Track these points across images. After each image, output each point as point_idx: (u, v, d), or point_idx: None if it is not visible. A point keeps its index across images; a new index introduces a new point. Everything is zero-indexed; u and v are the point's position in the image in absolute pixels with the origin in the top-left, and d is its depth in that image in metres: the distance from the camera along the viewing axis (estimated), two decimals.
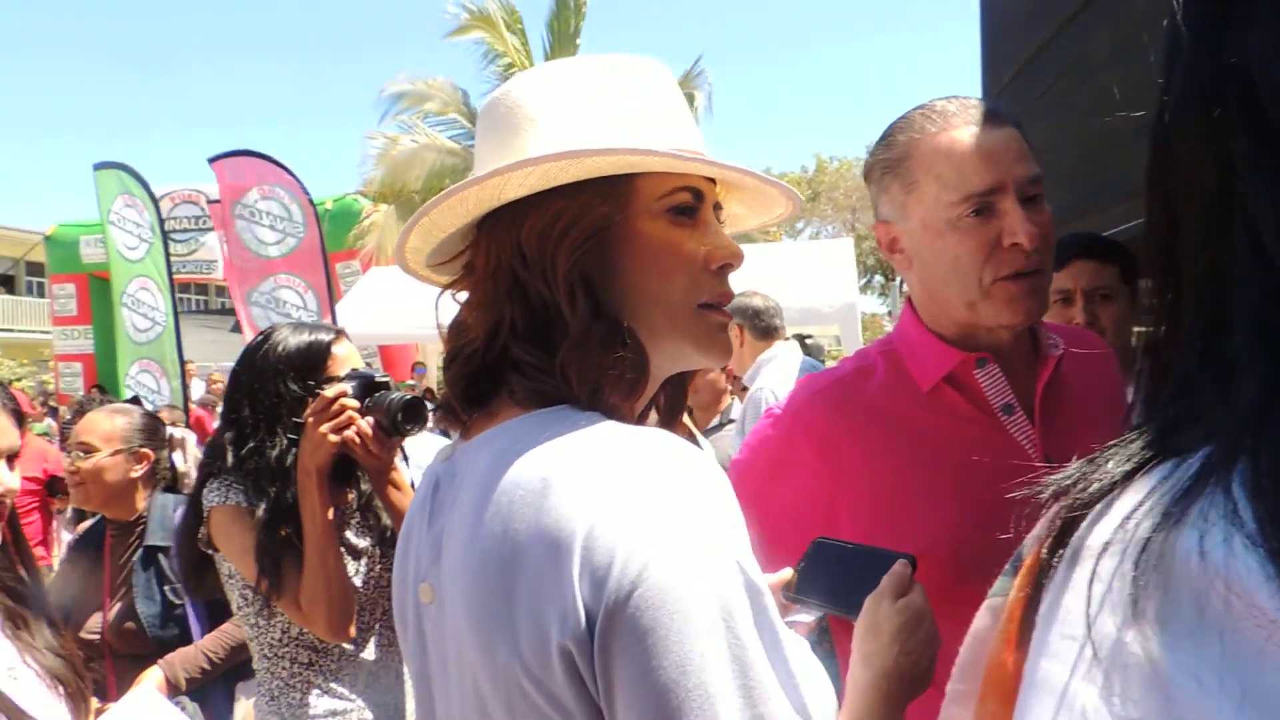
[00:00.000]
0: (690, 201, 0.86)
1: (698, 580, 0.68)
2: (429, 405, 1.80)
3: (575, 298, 0.81)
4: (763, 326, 3.40)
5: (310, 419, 1.74)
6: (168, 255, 7.47)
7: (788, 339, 3.50)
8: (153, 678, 2.22)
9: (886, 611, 0.94)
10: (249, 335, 7.41)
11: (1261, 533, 0.39)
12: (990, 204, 1.13)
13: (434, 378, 12.11)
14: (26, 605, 1.40)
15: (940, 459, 1.19)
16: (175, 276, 7.71)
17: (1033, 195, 1.15)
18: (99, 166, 7.64)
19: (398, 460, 1.88)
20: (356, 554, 1.91)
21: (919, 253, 1.21)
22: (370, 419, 1.77)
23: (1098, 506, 0.47)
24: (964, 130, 1.15)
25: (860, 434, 1.22)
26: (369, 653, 1.91)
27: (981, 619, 0.57)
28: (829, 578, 1.06)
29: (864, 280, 29.83)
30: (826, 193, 32.23)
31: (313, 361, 1.86)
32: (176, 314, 7.41)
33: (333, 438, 1.73)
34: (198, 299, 28.40)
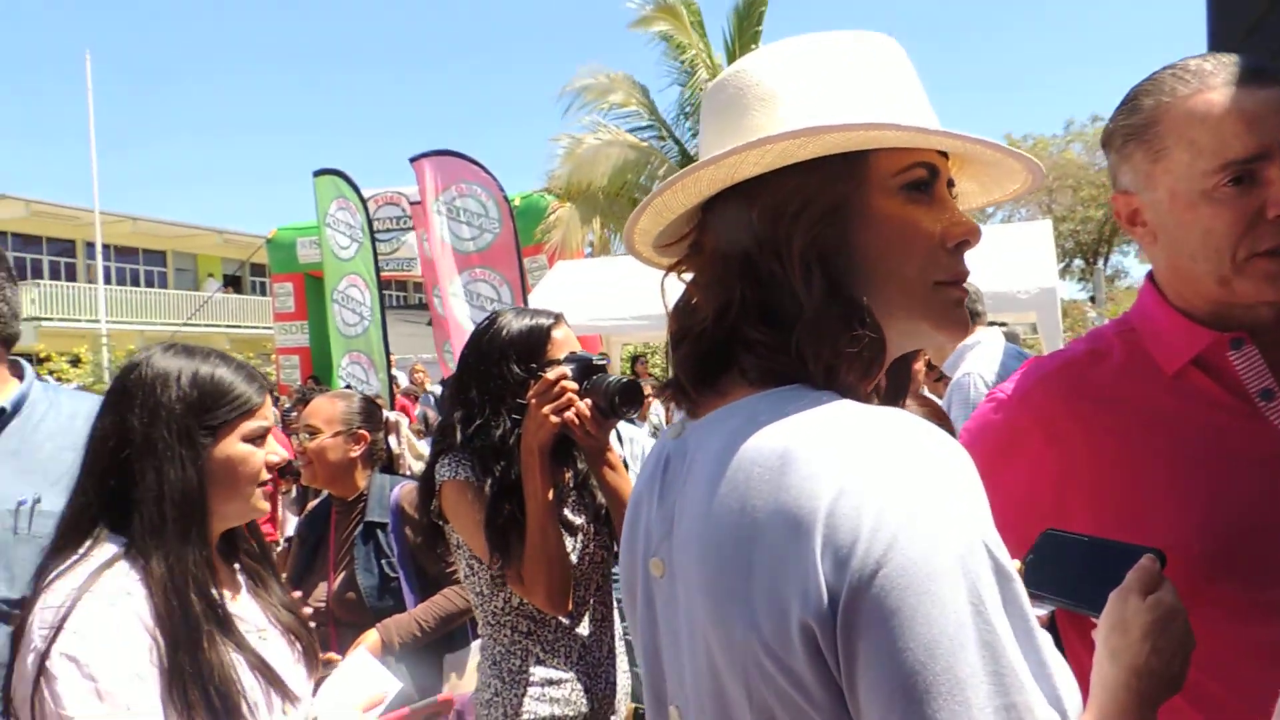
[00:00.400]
0: (926, 177, 0.84)
1: (945, 561, 0.66)
2: (642, 387, 1.86)
3: (810, 276, 0.81)
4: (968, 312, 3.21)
5: (533, 400, 1.81)
6: (375, 254, 8.03)
7: (989, 325, 3.34)
8: (369, 639, 2.40)
9: (1135, 607, 0.89)
10: (446, 328, 7.83)
11: None
12: (1251, 172, 1.03)
13: (616, 367, 12.40)
14: (263, 564, 1.53)
15: (1187, 449, 1.09)
16: (380, 274, 8.24)
17: None
18: (318, 173, 8.27)
19: (612, 440, 1.93)
20: (573, 530, 1.98)
21: (1165, 225, 1.12)
22: (588, 401, 1.82)
23: None
24: (1222, 90, 1.04)
25: (1095, 421, 1.14)
26: (583, 627, 1.98)
27: None
28: (1062, 571, 1.01)
29: (1062, 264, 28.20)
30: None
31: (534, 344, 1.94)
32: (383, 309, 7.92)
33: (554, 419, 1.79)
34: (398, 295, 30.24)
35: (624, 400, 1.81)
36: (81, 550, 1.29)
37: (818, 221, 0.81)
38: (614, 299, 10.16)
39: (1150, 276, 1.21)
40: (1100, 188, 29.76)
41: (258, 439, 1.42)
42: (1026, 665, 0.67)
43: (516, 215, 8.17)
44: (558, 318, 2.01)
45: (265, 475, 1.43)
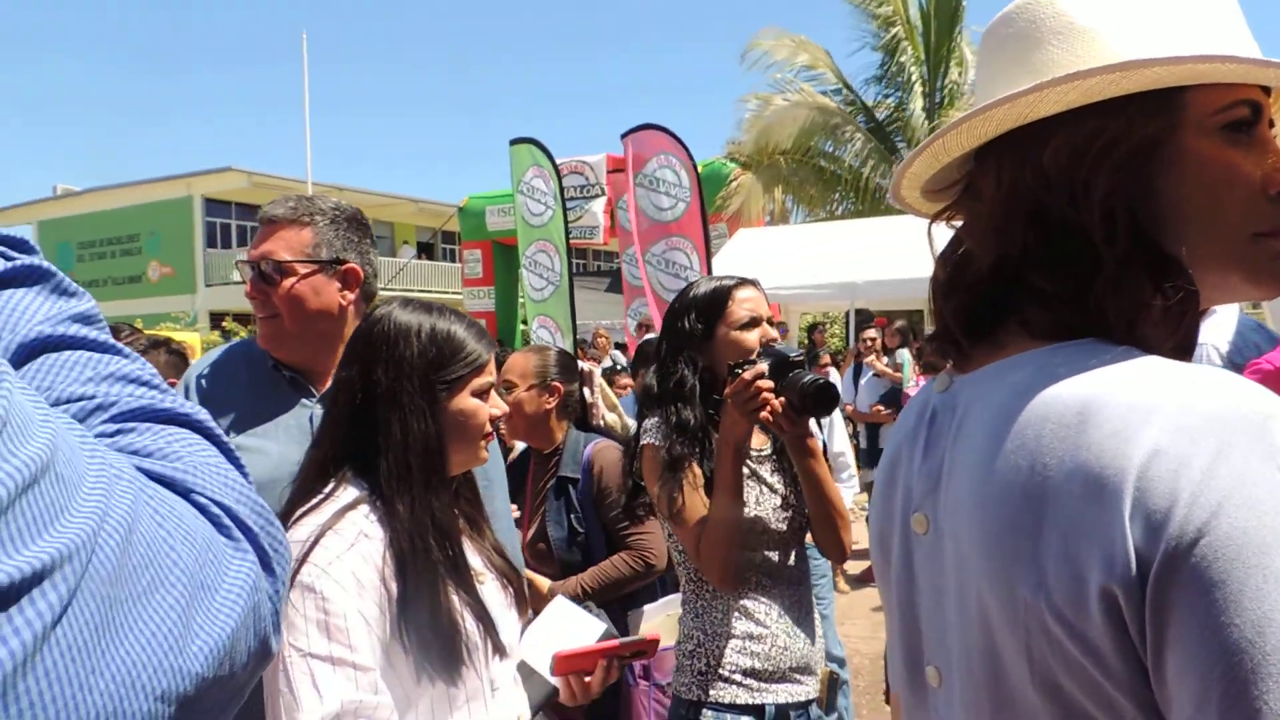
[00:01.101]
0: (1248, 116, 0.76)
1: (1277, 531, 0.59)
2: (839, 392, 1.91)
3: (1113, 223, 0.74)
4: None
5: (730, 397, 1.89)
6: (566, 221, 8.27)
7: None
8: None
9: None
10: (645, 295, 8.04)
11: None
12: None
13: (794, 336, 12.23)
14: (478, 510, 1.59)
15: None
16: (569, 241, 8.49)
17: None
18: (514, 141, 8.56)
19: (813, 428, 2.00)
20: (773, 492, 2.06)
21: None
22: (783, 399, 1.88)
23: None
24: None
25: None
26: (784, 587, 2.03)
27: None
28: None
29: None
30: None
31: (715, 302, 2.07)
32: (571, 275, 8.15)
33: (749, 418, 1.87)
34: (578, 262, 31.02)
35: (815, 403, 1.85)
36: (326, 491, 1.37)
37: (1124, 164, 0.75)
38: (793, 267, 10.03)
39: None
40: None
41: (484, 393, 1.47)
42: None
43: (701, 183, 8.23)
44: (743, 281, 2.10)
45: (489, 428, 1.48)
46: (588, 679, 1.73)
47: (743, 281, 2.11)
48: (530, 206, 8.48)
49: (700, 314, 2.05)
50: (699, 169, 8.07)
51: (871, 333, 8.38)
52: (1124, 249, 0.75)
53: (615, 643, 1.79)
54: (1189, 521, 0.61)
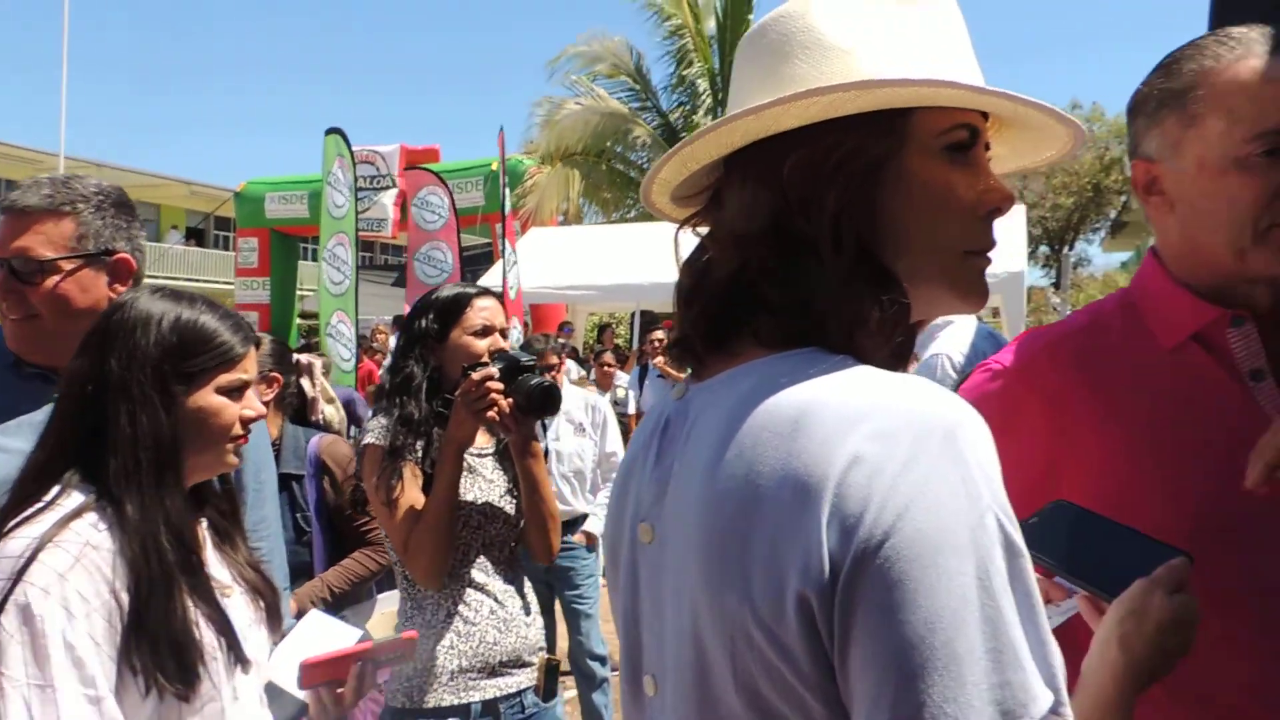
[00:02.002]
0: (966, 139, 0.81)
1: (956, 533, 0.64)
2: (561, 394, 2.07)
3: (841, 236, 0.77)
4: None
5: (459, 397, 1.99)
6: (356, 213, 8.08)
7: None
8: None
9: (1160, 602, 0.87)
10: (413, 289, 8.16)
11: None
12: None
13: (581, 337, 12.36)
14: (231, 521, 1.47)
15: (1181, 425, 1.10)
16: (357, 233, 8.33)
17: None
18: (329, 132, 8.28)
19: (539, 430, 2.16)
20: (492, 486, 2.17)
21: (1185, 194, 1.11)
22: (511, 400, 2.02)
23: None
24: (1266, 59, 1.04)
25: (1096, 394, 1.13)
26: (495, 584, 2.12)
27: None
28: (1073, 544, 1.00)
29: (1030, 250, 28.31)
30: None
31: (454, 307, 2.17)
32: (357, 268, 7.95)
33: (475, 418, 1.98)
34: (364, 255, 29.90)
35: (537, 404, 2.01)
36: (47, 498, 1.24)
37: (854, 180, 0.78)
38: (582, 268, 10.14)
39: (1154, 251, 1.20)
40: (1072, 175, 29.92)
41: (235, 391, 1.37)
42: (1026, 643, 0.66)
43: (493, 179, 8.36)
44: (485, 292, 2.23)
45: (239, 430, 1.38)
46: (340, 690, 1.63)
47: (485, 292, 2.22)
48: (334, 198, 8.23)
49: (438, 316, 2.14)
50: (493, 165, 8.31)
51: (659, 334, 8.61)
52: (849, 263, 0.77)
53: (368, 644, 1.70)
54: (877, 525, 0.64)
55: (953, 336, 3.08)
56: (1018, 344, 1.24)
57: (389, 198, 12.66)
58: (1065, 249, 28.75)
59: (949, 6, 0.84)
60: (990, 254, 0.84)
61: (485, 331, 2.14)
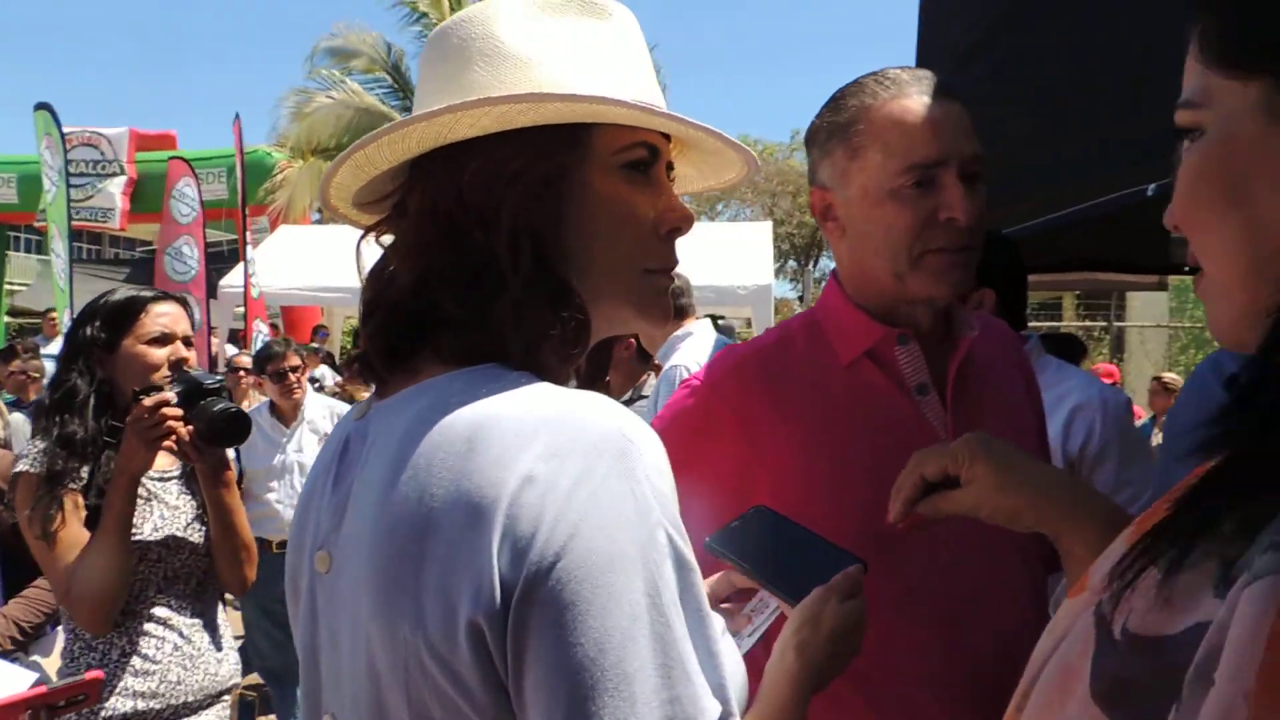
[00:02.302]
0: (646, 158, 0.83)
1: (625, 552, 0.65)
2: (251, 420, 1.90)
3: (519, 249, 0.77)
4: (675, 305, 3.36)
5: (130, 424, 1.79)
6: (68, 199, 7.24)
7: (700, 318, 3.50)
8: None
9: (834, 609, 0.91)
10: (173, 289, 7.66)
11: None
12: (932, 176, 1.13)
13: (337, 341, 11.83)
14: None
15: (854, 437, 1.19)
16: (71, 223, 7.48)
17: (973, 173, 1.15)
18: (38, 107, 7.36)
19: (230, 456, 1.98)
20: (177, 514, 1.99)
21: (854, 221, 1.20)
22: (192, 427, 1.84)
23: None
24: (916, 100, 1.14)
25: (781, 406, 1.21)
26: (182, 618, 1.95)
27: (1243, 608, 0.49)
28: (765, 547, 1.03)
29: (778, 265, 30.08)
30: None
31: (125, 313, 1.96)
32: (71, 262, 7.15)
33: (149, 447, 1.80)
34: (91, 248, 27.06)
35: (221, 432, 1.84)
36: None
37: (532, 193, 0.77)
38: (338, 269, 9.67)
39: (834, 273, 1.29)
40: None
41: None
42: (695, 656, 0.67)
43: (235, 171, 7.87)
44: (165, 296, 2.04)
45: None
46: None
47: (164, 296, 2.04)
48: (44, 183, 7.38)
49: (107, 322, 1.95)
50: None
51: None
52: (528, 277, 0.76)
53: (42, 689, 1.56)
54: (549, 545, 0.64)
55: (692, 348, 3.21)
56: (714, 360, 1.30)
57: (116, 185, 11.56)
58: (810, 264, 30.87)
59: (630, 25, 0.86)
60: (673, 272, 0.86)
61: (163, 340, 1.95)
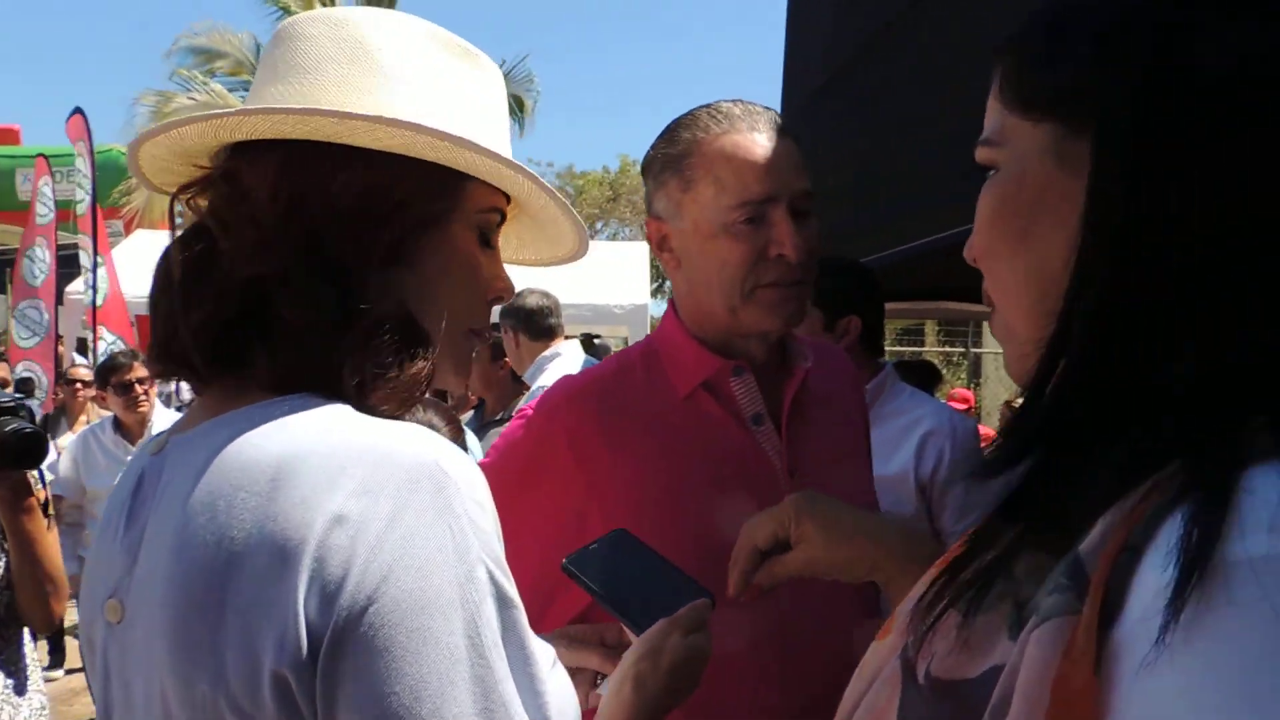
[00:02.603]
0: (497, 222, 0.83)
1: (443, 593, 0.62)
2: (48, 441, 1.78)
3: (387, 279, 0.73)
4: (538, 326, 3.34)
5: None
6: None
7: (570, 337, 3.48)
8: None
9: (676, 643, 0.90)
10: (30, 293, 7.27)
11: None
12: (764, 213, 1.14)
13: None
14: None
15: (690, 468, 1.19)
16: None
17: (804, 209, 1.17)
18: None
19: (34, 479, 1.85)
20: None
21: (688, 253, 1.20)
22: None
23: (1191, 513, 0.44)
24: (747, 135, 1.15)
25: (616, 438, 1.19)
26: None
27: (1032, 651, 0.49)
28: (619, 572, 1.02)
29: (655, 285, 30.23)
30: (627, 195, 31.10)
31: None
32: None
33: None
34: None
35: (13, 455, 1.73)
36: None
37: (411, 228, 0.75)
38: None
39: (672, 303, 1.29)
40: None
41: None
42: (519, 696, 0.65)
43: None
44: None
45: None
46: None
47: None
48: None
49: None
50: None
51: None
52: (390, 313, 0.73)
53: None
54: (360, 589, 0.60)
55: (560, 369, 3.18)
56: (548, 392, 1.28)
57: None
58: None
59: (499, 80, 0.85)
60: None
61: None
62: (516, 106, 19.55)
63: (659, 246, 1.24)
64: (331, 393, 0.71)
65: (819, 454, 1.25)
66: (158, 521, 0.69)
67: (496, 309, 0.90)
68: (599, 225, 31.77)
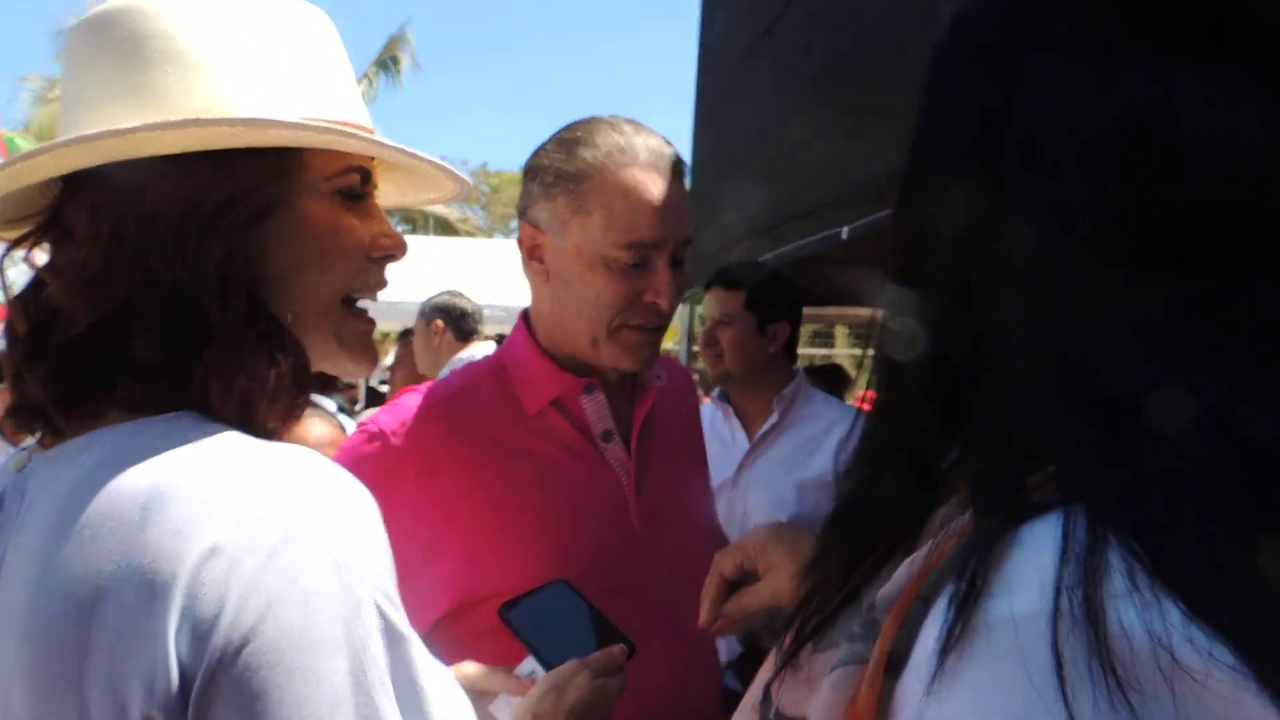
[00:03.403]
0: (359, 184, 0.77)
1: (327, 628, 0.58)
2: None
3: (230, 293, 0.68)
4: (467, 329, 3.34)
5: None
6: None
7: (490, 338, 3.43)
8: None
9: (582, 683, 0.88)
10: None
11: (1199, 605, 0.37)
12: (648, 257, 1.14)
13: None
14: None
15: (542, 488, 1.18)
16: None
17: (681, 258, 1.18)
18: None
19: None
20: None
21: (562, 274, 1.18)
22: None
23: (965, 566, 0.43)
24: (648, 174, 1.14)
25: (465, 456, 1.16)
26: None
27: (825, 694, 0.49)
28: (545, 621, 1.03)
29: None
30: None
31: None
32: None
33: None
34: None
35: None
36: None
37: (245, 225, 0.69)
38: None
39: (525, 316, 1.27)
40: None
41: None
42: None
43: None
44: None
45: None
46: None
47: None
48: None
49: None
50: None
51: None
52: (240, 323, 0.68)
53: None
54: (236, 627, 0.56)
55: None
56: (390, 407, 1.24)
57: None
58: None
59: (328, 30, 0.79)
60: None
61: None
62: (393, 63, 19.50)
63: (530, 254, 1.21)
64: (208, 412, 0.67)
65: (666, 471, 1.27)
66: (19, 548, 0.64)
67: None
68: (513, 225, 31.36)
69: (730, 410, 2.41)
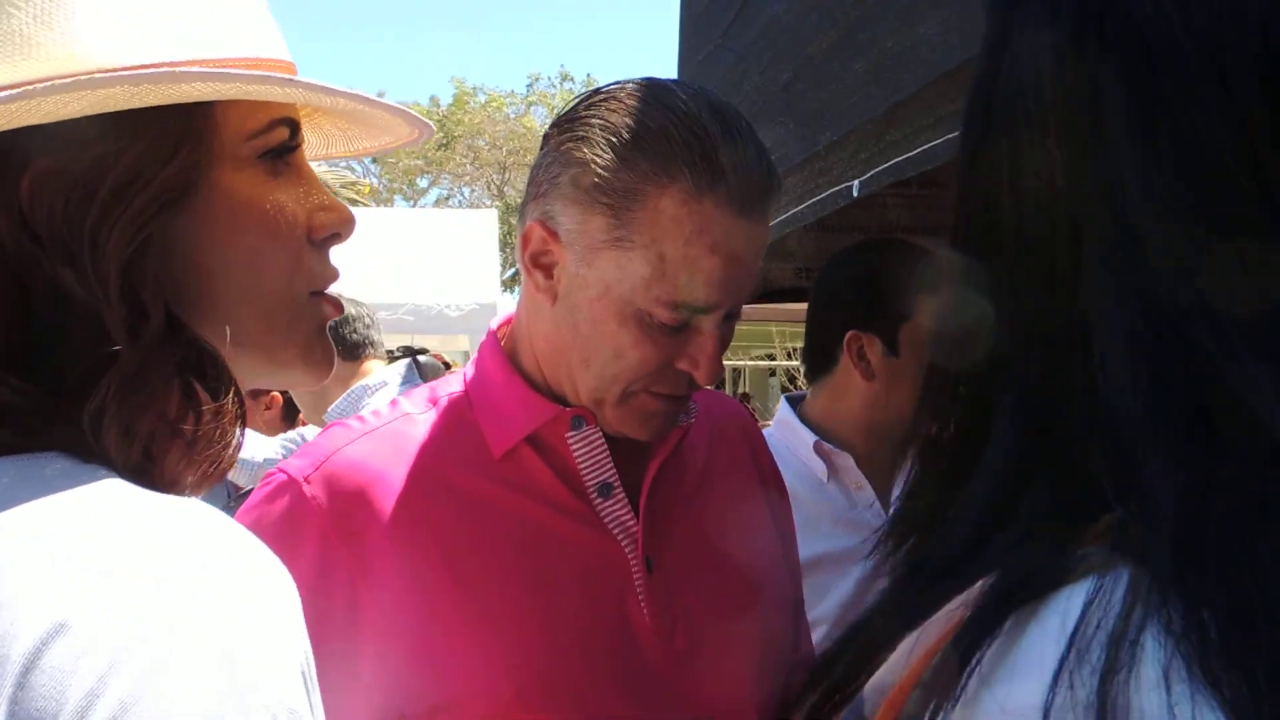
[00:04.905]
0: (288, 140, 0.64)
1: None
2: None
3: (139, 305, 0.56)
4: (353, 342, 2.56)
5: None
6: None
7: (395, 356, 2.81)
8: None
9: None
10: None
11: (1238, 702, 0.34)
12: (694, 320, 0.89)
13: None
14: None
15: (506, 560, 0.90)
16: None
17: (735, 311, 0.93)
18: None
19: None
20: None
21: (575, 305, 0.90)
22: None
23: (986, 651, 0.40)
24: (728, 213, 0.85)
25: (397, 516, 0.89)
26: None
27: None
28: None
29: (511, 270, 18.74)
30: (467, 139, 22.04)
31: None
32: None
33: None
34: None
35: None
36: None
37: (153, 213, 0.57)
38: None
39: (493, 334, 1.01)
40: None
41: None
42: None
43: None
44: None
45: None
46: None
47: None
48: None
49: None
50: None
51: None
52: (152, 342, 0.57)
53: None
54: None
55: (389, 399, 2.66)
56: (306, 448, 0.97)
57: None
58: None
59: None
60: (330, 290, 0.67)
61: None
62: None
63: (533, 259, 0.92)
64: (80, 449, 0.56)
65: (693, 540, 0.98)
66: None
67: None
68: (423, 183, 23.41)
69: (847, 458, 1.68)
